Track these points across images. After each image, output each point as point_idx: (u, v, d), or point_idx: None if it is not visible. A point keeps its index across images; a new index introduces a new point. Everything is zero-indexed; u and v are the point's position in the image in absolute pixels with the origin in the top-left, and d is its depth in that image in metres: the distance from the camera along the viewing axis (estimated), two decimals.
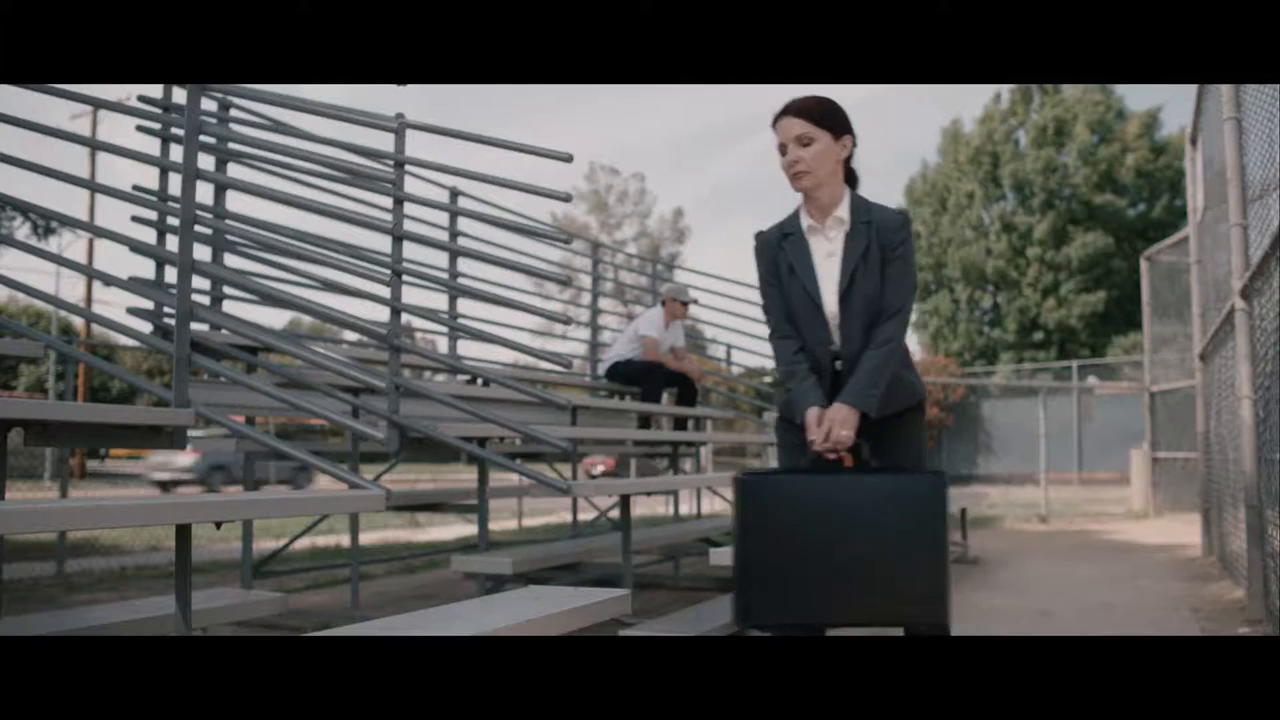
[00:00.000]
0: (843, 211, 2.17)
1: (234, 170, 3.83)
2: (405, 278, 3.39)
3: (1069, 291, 25.35)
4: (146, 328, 3.58)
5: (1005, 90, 27.16)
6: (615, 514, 5.54)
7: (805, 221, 2.20)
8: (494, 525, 7.91)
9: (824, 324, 2.17)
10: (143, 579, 5.37)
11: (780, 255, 2.20)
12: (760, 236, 2.26)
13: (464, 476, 16.50)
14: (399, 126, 3.33)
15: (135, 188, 3.75)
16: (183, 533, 2.06)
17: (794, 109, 2.13)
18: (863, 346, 2.13)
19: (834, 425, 2.04)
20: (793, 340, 2.20)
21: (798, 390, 2.15)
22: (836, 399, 2.09)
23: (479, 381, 5.12)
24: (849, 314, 2.14)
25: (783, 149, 2.14)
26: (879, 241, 2.14)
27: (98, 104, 3.71)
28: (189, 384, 2.75)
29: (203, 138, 3.09)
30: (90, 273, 3.40)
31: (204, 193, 3.33)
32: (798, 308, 2.19)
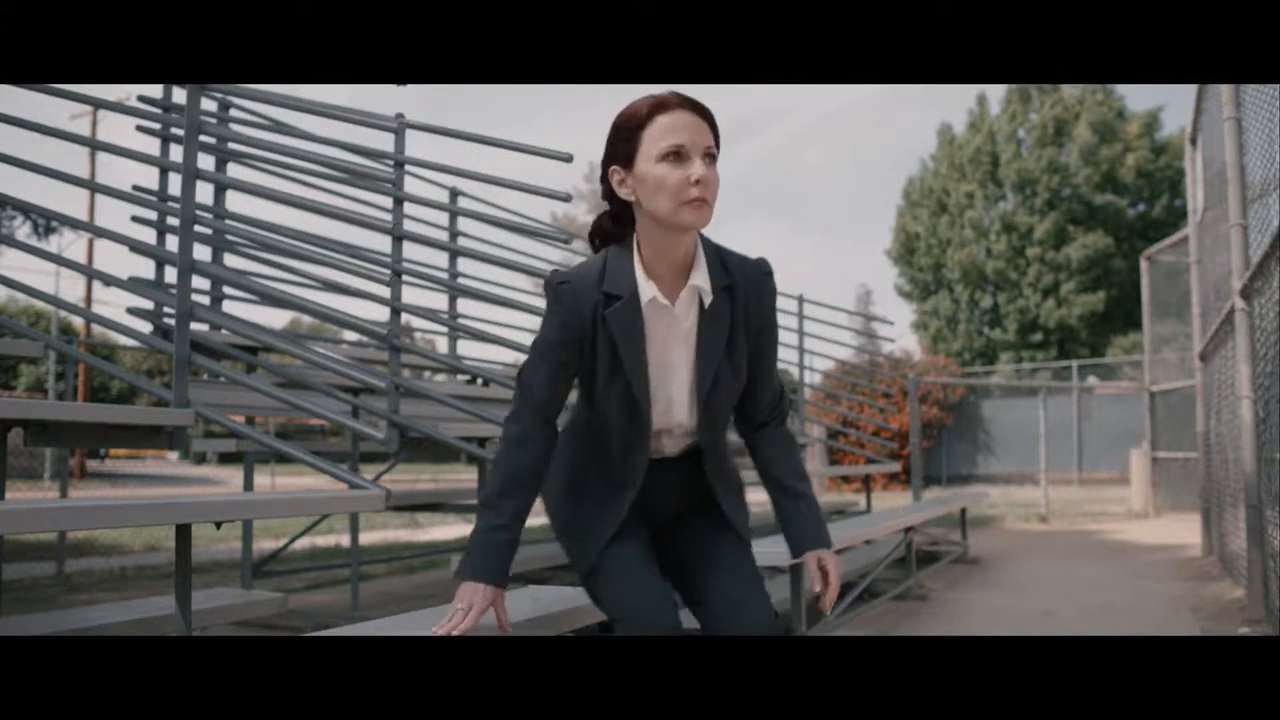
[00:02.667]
0: (700, 276, 1.52)
1: (234, 170, 3.83)
2: (405, 278, 3.39)
3: (1069, 291, 25.33)
4: (146, 328, 3.58)
5: (992, 93, 27.24)
6: None
7: (647, 291, 1.51)
8: None
9: (642, 433, 1.59)
10: (143, 579, 5.37)
11: (598, 330, 1.52)
12: (564, 288, 1.53)
13: (464, 476, 16.50)
14: (399, 126, 3.33)
15: (135, 188, 3.75)
16: (183, 533, 2.06)
17: (701, 108, 1.48)
18: (721, 433, 1.65)
19: (834, 569, 1.61)
20: (528, 449, 1.56)
21: (483, 538, 1.53)
22: (809, 548, 1.64)
23: (479, 381, 5.12)
24: (707, 418, 1.61)
25: (675, 154, 1.44)
26: (745, 318, 1.55)
27: (98, 104, 3.71)
28: (189, 384, 2.75)
29: (203, 138, 3.09)
30: (90, 273, 3.39)
31: (204, 193, 3.33)
32: (609, 410, 1.57)
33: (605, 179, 1.55)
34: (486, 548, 1.53)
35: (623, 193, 1.52)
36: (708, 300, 1.53)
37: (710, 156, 1.47)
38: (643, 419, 1.56)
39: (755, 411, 1.69)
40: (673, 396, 1.59)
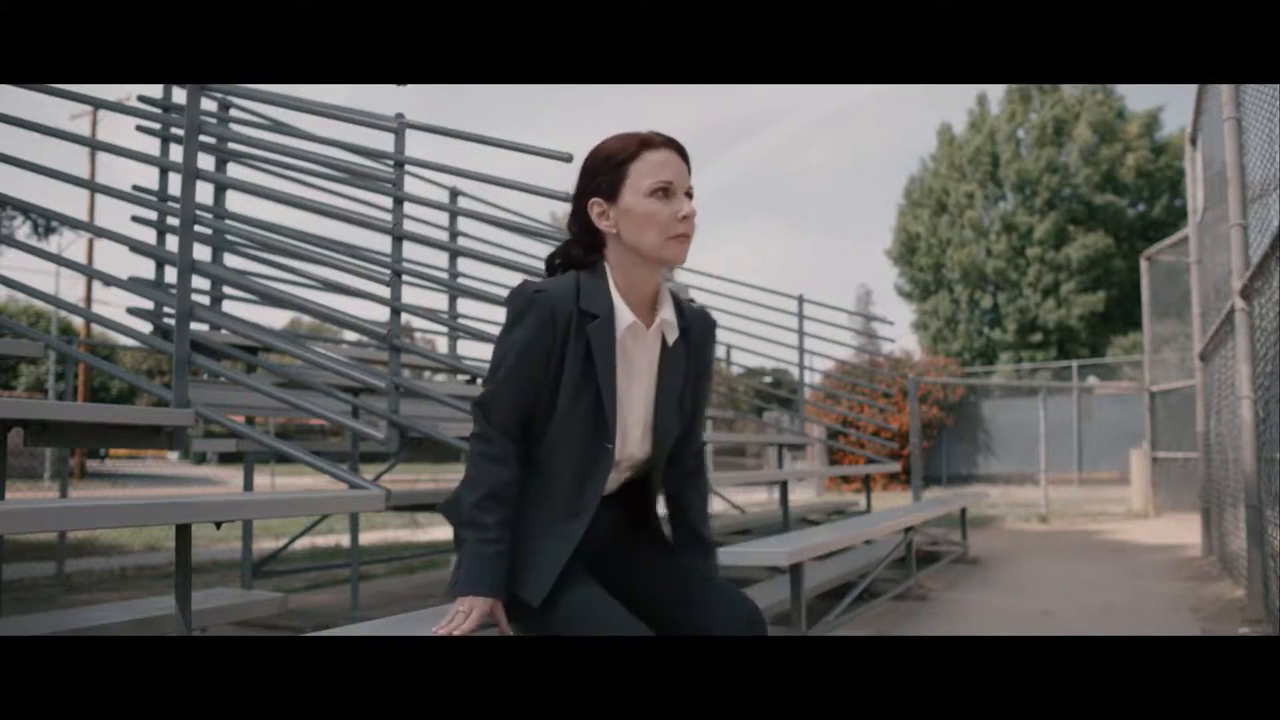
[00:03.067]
0: (668, 312, 1.56)
1: (234, 170, 3.83)
2: (405, 278, 3.39)
3: (1069, 291, 25.35)
4: (146, 328, 3.58)
5: (992, 93, 27.27)
6: None
7: (626, 315, 1.52)
8: None
9: (604, 458, 1.55)
10: (143, 579, 5.37)
11: (570, 343, 1.48)
12: (541, 296, 1.48)
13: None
14: (399, 126, 3.33)
15: (135, 188, 3.75)
16: (183, 533, 2.06)
17: (682, 149, 1.53)
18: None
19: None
20: (505, 465, 1.50)
21: (473, 550, 1.48)
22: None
23: (479, 381, 5.12)
24: (658, 452, 1.63)
25: (664, 190, 1.48)
26: (694, 362, 1.62)
27: (98, 104, 3.71)
28: (189, 384, 2.75)
29: (203, 138, 3.09)
30: (90, 273, 3.40)
31: (204, 193, 3.33)
32: (570, 432, 1.52)
33: (582, 211, 1.55)
34: (479, 559, 1.48)
35: (603, 224, 1.53)
36: (671, 338, 1.57)
37: (689, 195, 1.52)
38: (609, 441, 1.52)
39: (685, 457, 1.71)
40: (628, 426, 1.57)
